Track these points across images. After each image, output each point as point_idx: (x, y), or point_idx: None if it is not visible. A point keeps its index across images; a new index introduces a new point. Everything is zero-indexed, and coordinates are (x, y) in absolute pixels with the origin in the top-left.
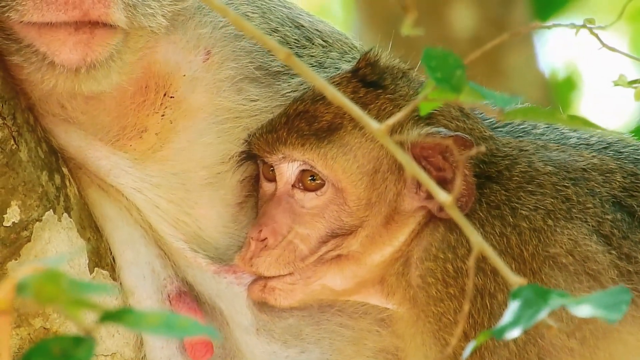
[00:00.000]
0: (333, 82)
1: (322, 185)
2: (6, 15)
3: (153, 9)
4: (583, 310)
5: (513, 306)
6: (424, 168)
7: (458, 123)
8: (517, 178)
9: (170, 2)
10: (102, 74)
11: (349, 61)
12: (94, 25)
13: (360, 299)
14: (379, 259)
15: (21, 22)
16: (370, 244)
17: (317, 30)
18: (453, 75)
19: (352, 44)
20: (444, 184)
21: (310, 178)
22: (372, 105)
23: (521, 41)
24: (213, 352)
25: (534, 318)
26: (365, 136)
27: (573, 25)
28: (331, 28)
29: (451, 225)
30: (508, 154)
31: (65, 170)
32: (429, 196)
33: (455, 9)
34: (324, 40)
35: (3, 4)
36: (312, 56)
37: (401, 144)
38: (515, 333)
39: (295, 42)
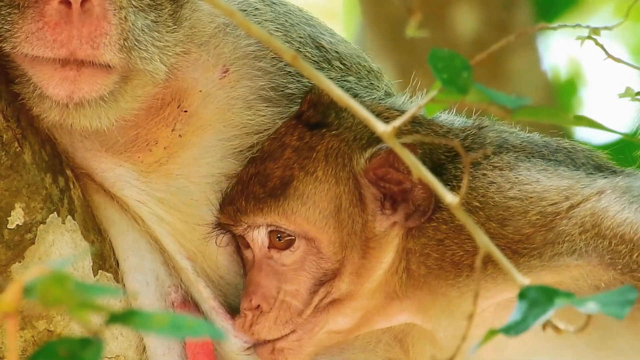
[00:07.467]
0: (280, 132)
1: (292, 240)
2: (1, 44)
3: (151, 53)
4: (589, 308)
5: (520, 306)
6: (385, 189)
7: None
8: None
9: (173, 47)
10: (92, 113)
11: (365, 87)
12: (82, 63)
13: (372, 328)
14: (372, 286)
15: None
16: (358, 278)
17: (336, 52)
18: (459, 77)
19: (370, 67)
20: (407, 194)
21: (277, 237)
22: (319, 147)
23: (524, 44)
24: None
25: (540, 317)
26: (319, 179)
27: (579, 26)
28: (351, 50)
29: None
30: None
31: (69, 172)
32: (394, 211)
33: (457, 12)
34: (342, 64)
35: None
36: (329, 79)
37: (355, 177)
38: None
39: (314, 65)
